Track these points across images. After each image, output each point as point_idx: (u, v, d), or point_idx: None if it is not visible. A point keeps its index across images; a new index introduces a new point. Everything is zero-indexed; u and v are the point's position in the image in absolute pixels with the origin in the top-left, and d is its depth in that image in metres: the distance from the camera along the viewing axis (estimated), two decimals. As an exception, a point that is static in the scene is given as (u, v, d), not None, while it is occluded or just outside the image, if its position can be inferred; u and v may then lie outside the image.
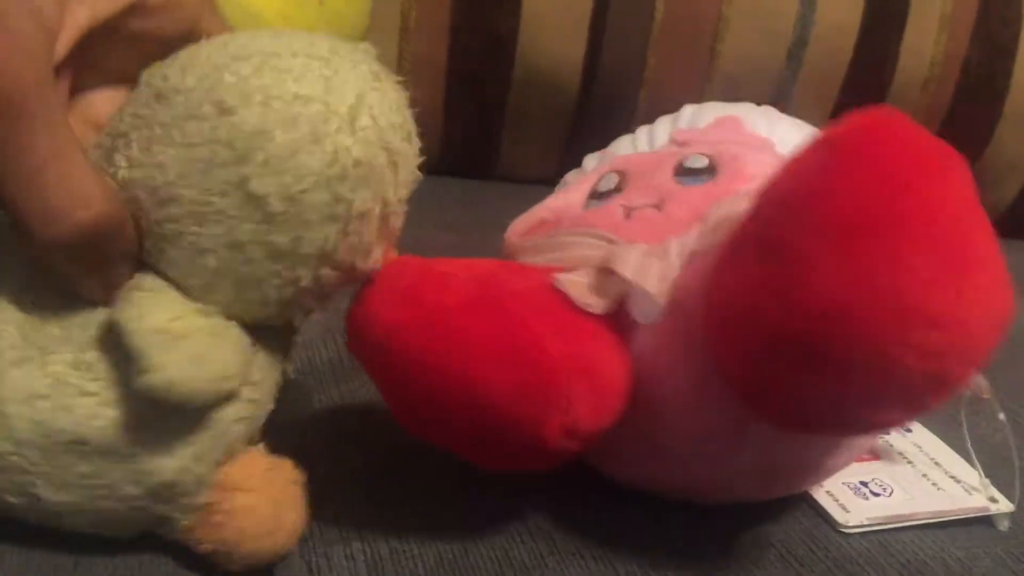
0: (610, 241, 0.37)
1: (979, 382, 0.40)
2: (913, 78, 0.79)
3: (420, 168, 0.34)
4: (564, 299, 0.34)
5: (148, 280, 0.31)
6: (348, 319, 0.34)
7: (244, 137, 0.29)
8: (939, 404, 0.29)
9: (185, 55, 0.31)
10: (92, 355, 0.30)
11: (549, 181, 0.44)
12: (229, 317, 0.32)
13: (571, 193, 0.42)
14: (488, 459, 0.35)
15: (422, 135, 0.34)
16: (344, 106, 0.30)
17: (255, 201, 0.29)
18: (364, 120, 0.30)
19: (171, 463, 0.31)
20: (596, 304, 0.34)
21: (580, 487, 0.39)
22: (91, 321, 0.31)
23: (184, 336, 0.30)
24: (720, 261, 0.31)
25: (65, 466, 0.30)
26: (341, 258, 0.32)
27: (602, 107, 0.77)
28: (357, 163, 0.30)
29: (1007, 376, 0.55)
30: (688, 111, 0.47)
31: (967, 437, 0.43)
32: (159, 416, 0.30)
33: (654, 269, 0.34)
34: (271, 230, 0.30)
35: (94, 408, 0.30)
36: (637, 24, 0.74)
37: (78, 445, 0.30)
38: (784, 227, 0.28)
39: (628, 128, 0.49)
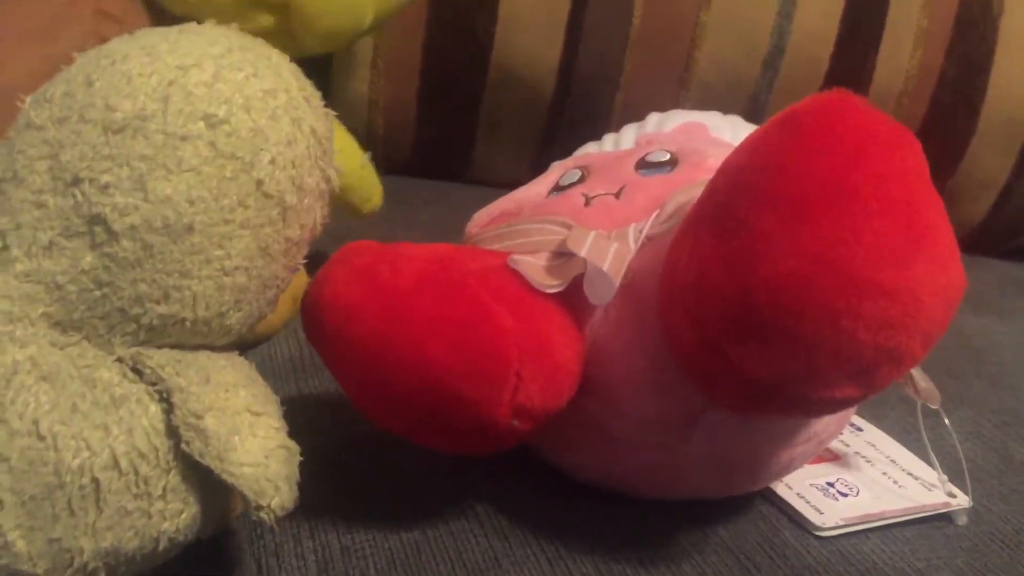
0: (568, 227, 0.36)
1: (930, 392, 0.40)
2: (888, 91, 0.79)
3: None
4: (519, 280, 0.34)
5: (173, 364, 0.29)
6: (304, 302, 0.34)
7: (244, 143, 0.28)
8: (889, 381, 0.28)
9: (80, 84, 0.28)
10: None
11: (521, 184, 0.44)
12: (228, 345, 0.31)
13: (533, 186, 0.42)
14: (439, 441, 0.34)
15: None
16: (295, 88, 0.31)
17: (272, 201, 0.29)
18: (310, 92, 0.31)
19: None
20: (551, 285, 0.34)
21: (535, 484, 0.39)
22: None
23: (277, 457, 0.29)
24: (675, 239, 0.30)
25: None
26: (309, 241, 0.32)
27: (577, 111, 0.76)
28: (325, 137, 0.31)
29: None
30: (654, 118, 0.47)
31: (926, 439, 0.43)
32: None
33: (610, 251, 0.34)
34: (286, 224, 0.30)
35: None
36: (614, 28, 0.74)
37: None
38: (738, 201, 0.28)
39: (603, 133, 0.48)
